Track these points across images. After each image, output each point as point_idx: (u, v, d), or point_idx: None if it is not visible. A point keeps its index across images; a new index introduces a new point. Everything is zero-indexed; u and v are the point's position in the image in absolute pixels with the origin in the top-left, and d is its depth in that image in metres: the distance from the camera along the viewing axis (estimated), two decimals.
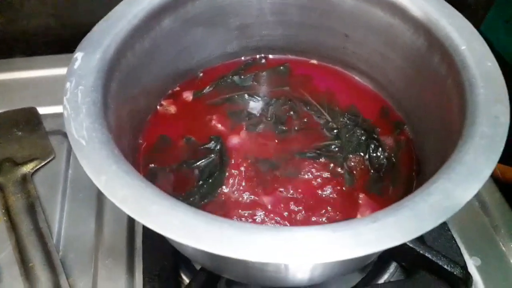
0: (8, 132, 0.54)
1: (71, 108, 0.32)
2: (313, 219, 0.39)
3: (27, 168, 0.50)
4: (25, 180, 0.49)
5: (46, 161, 0.51)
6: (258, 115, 0.48)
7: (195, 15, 0.45)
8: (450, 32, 0.38)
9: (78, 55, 0.36)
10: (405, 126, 0.47)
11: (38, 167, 0.51)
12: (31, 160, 0.51)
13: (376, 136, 0.45)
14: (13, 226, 0.45)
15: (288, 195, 0.41)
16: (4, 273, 0.43)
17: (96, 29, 0.38)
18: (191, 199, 0.41)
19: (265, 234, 0.25)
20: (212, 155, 0.44)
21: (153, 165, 0.44)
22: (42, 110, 0.57)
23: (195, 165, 0.44)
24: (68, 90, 0.33)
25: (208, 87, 0.50)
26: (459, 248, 0.44)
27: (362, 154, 0.44)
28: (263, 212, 0.40)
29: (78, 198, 0.49)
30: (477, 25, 0.71)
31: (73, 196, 0.49)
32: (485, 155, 0.29)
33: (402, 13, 0.42)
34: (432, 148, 0.41)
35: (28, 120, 0.55)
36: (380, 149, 0.44)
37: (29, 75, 0.62)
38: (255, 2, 0.47)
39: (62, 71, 0.62)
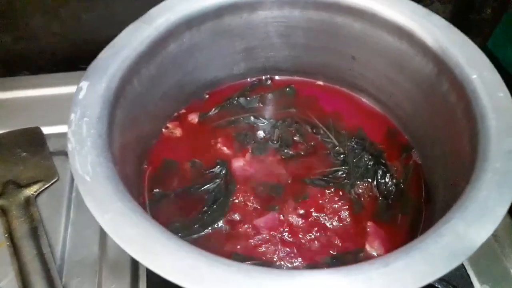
0: (12, 153, 0.53)
1: (75, 141, 0.31)
2: (320, 249, 0.39)
3: (31, 191, 0.49)
4: (29, 203, 0.48)
5: (50, 183, 0.51)
6: (264, 138, 0.48)
7: (201, 39, 0.45)
8: (460, 60, 0.37)
9: (83, 84, 0.35)
10: (413, 150, 0.46)
11: (41, 189, 0.50)
12: (35, 182, 0.50)
13: (384, 161, 0.45)
14: (16, 252, 0.44)
15: (295, 223, 0.40)
16: None
17: (102, 56, 0.38)
18: (195, 226, 0.41)
19: (274, 279, 0.25)
20: (218, 180, 0.44)
21: (157, 190, 0.43)
22: (46, 130, 0.57)
23: (200, 190, 0.43)
24: (73, 121, 0.33)
25: (214, 109, 0.50)
26: (469, 276, 0.44)
27: (370, 180, 0.43)
28: (269, 241, 0.39)
29: (81, 221, 0.49)
30: (484, 42, 0.70)
31: (76, 219, 0.49)
32: (498, 192, 0.29)
33: (410, 38, 0.41)
34: (441, 175, 0.41)
35: (32, 140, 0.55)
36: (388, 175, 0.43)
37: (34, 93, 0.62)
38: (261, 25, 0.47)
39: (67, 89, 0.62)
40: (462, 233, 0.27)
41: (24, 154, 0.53)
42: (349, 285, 0.24)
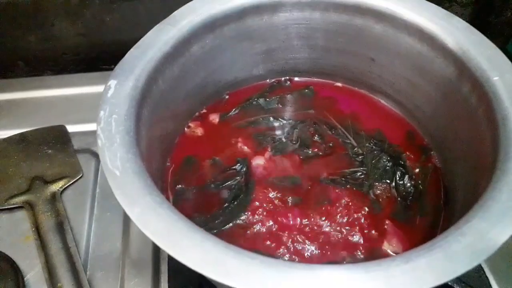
0: (38, 150, 0.55)
1: (105, 138, 0.33)
2: (339, 247, 0.39)
3: (56, 187, 0.51)
4: (54, 198, 0.50)
5: (74, 180, 0.53)
6: (283, 138, 0.48)
7: (223, 41, 0.46)
8: (481, 62, 0.37)
9: (112, 83, 0.37)
10: (432, 152, 0.46)
11: (67, 185, 0.52)
12: (60, 179, 0.52)
13: (402, 163, 0.45)
14: (42, 245, 0.46)
15: (313, 221, 0.41)
16: None
17: (128, 56, 0.39)
18: (216, 221, 0.41)
19: (295, 272, 0.25)
20: (238, 177, 0.45)
21: (180, 186, 0.44)
22: (70, 128, 0.59)
23: (221, 187, 0.44)
24: (102, 119, 0.34)
25: (234, 109, 0.51)
26: (488, 279, 0.44)
27: (388, 181, 0.44)
28: (288, 238, 0.40)
29: (105, 217, 0.50)
30: (503, 44, 0.70)
31: (100, 215, 0.50)
32: None
33: (431, 41, 0.42)
34: (461, 177, 0.41)
35: (57, 138, 0.57)
36: (407, 176, 0.44)
37: (58, 93, 0.64)
38: (282, 27, 0.48)
39: (90, 89, 0.64)
40: (484, 233, 0.27)
41: (50, 151, 0.55)
42: (369, 281, 0.25)
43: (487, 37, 0.40)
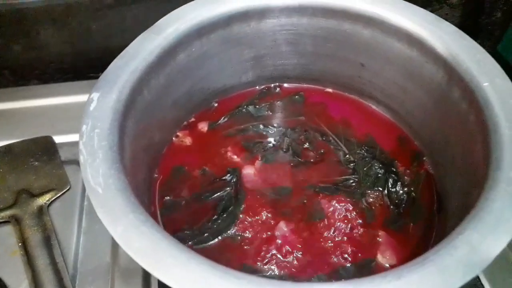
0: (24, 162, 0.54)
1: (87, 153, 0.32)
2: (331, 259, 0.39)
3: (43, 200, 0.50)
4: (41, 212, 0.49)
5: (62, 192, 0.51)
6: (274, 146, 0.48)
7: (210, 48, 0.45)
8: (470, 67, 0.37)
9: (94, 95, 0.36)
10: (424, 158, 0.46)
11: (54, 198, 0.51)
12: (47, 191, 0.51)
13: (394, 170, 0.44)
14: (29, 260, 0.44)
15: (304, 232, 0.40)
16: None
17: (112, 67, 0.38)
18: (205, 234, 0.41)
19: None
20: (228, 188, 0.44)
21: (168, 197, 0.43)
22: (57, 139, 0.57)
23: (210, 198, 0.43)
24: (84, 133, 0.33)
25: (223, 117, 0.50)
26: (483, 287, 0.43)
27: (380, 189, 0.43)
28: (279, 251, 0.39)
29: (93, 230, 0.49)
30: (494, 45, 0.70)
31: (88, 228, 0.49)
32: None
33: (420, 45, 0.41)
34: (454, 183, 0.40)
35: (44, 149, 0.55)
36: (399, 183, 0.43)
37: (45, 103, 0.63)
38: (269, 33, 0.47)
39: (77, 98, 0.63)
40: (476, 245, 0.26)
41: (36, 163, 0.54)
42: None
43: (477, 38, 0.39)
